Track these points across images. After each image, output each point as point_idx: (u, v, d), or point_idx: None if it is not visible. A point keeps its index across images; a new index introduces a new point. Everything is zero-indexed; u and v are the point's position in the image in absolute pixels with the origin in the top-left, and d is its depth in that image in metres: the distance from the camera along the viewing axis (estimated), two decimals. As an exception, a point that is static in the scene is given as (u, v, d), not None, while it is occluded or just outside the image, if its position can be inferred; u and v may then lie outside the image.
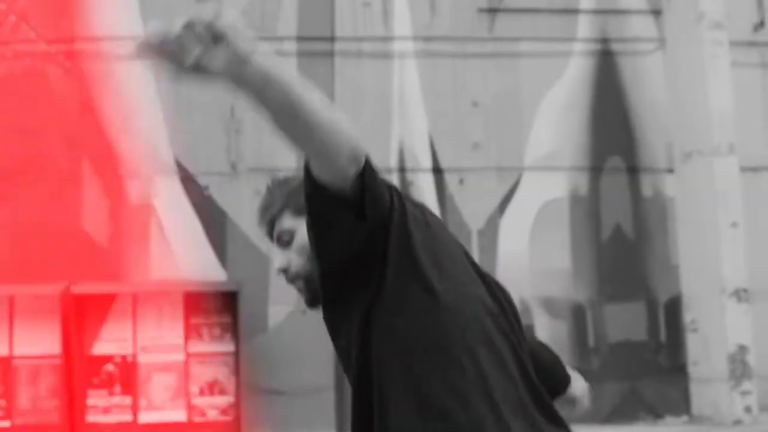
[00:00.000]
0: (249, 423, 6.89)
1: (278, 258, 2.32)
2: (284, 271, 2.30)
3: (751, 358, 7.28)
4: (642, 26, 7.97)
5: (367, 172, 1.96)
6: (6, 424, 6.77)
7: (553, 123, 7.73)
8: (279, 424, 7.01)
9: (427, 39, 7.63)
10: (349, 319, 2.07)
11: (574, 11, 7.85)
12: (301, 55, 7.38)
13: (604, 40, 7.91)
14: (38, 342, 6.83)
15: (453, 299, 1.98)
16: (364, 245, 2.01)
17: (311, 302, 2.29)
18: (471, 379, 1.93)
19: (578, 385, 2.52)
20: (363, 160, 1.95)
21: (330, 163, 1.92)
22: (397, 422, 1.94)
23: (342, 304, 2.08)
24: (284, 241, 2.30)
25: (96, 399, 6.83)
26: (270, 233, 2.36)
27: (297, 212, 2.25)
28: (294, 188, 2.28)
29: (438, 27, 7.67)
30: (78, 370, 6.77)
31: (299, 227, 2.25)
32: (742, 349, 7.26)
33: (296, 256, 2.28)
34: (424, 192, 7.39)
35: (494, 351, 1.97)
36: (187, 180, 7.27)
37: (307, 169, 1.97)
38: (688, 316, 7.60)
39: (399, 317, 1.99)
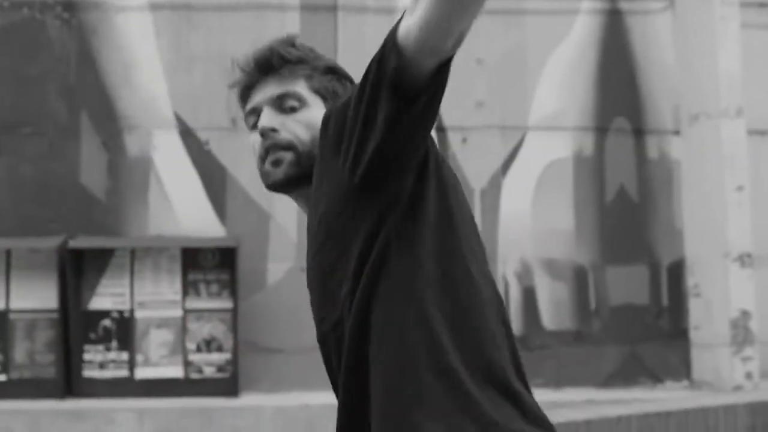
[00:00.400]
0: (246, 380, 6.88)
1: (269, 116, 2.01)
2: (272, 131, 2.00)
3: (753, 324, 7.24)
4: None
5: (448, 67, 1.73)
6: (2, 378, 6.76)
7: (559, 82, 7.62)
8: (276, 382, 7.00)
9: (433, -5, 7.50)
10: (353, 238, 1.81)
11: (583, -32, 7.73)
12: (303, 8, 7.28)
13: (615, 12, 7.79)
14: (35, 296, 6.80)
15: (474, 256, 1.87)
16: (407, 155, 1.78)
17: (289, 181, 2.00)
18: (488, 346, 1.82)
19: None
20: (456, 51, 1.72)
21: (452, 24, 1.61)
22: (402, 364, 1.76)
23: (358, 208, 1.81)
24: (287, 105, 2.02)
25: (92, 354, 6.81)
26: (254, 80, 2.05)
27: (315, 91, 2.04)
28: (321, 67, 2.07)
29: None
30: (75, 325, 6.75)
31: (314, 106, 2.03)
32: (745, 314, 7.22)
33: (299, 127, 2.00)
34: (427, 150, 7.31)
35: (500, 321, 1.88)
36: (187, 134, 7.20)
37: (393, 38, 1.68)
38: (690, 281, 7.54)
39: (421, 249, 1.79)
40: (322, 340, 1.97)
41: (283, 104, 2.03)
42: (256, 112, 2.06)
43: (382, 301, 1.78)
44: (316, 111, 2.01)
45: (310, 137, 1.98)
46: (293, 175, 1.99)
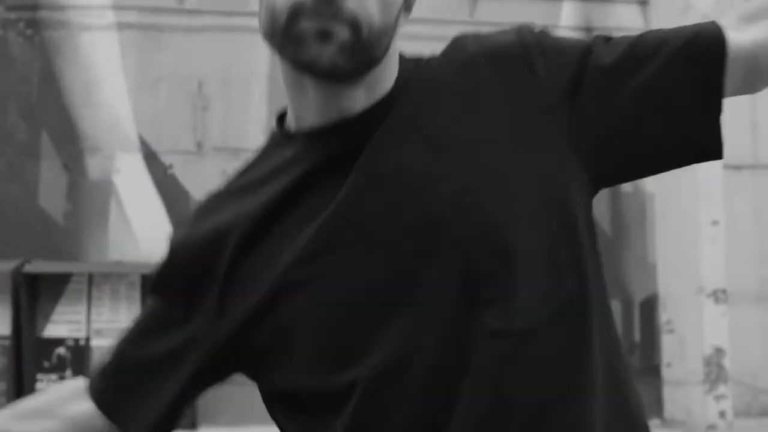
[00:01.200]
0: (204, 413, 6.68)
1: None
2: None
3: (727, 362, 7.13)
4: (628, 16, 7.78)
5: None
6: (-50, 406, 6.52)
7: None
8: (236, 417, 6.79)
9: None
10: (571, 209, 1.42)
11: (559, -3, 7.66)
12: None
13: (588, 29, 7.70)
14: (-13, 321, 6.60)
15: None
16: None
17: (334, 73, 1.32)
18: None
19: None
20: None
21: None
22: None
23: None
24: None
25: (45, 383, 6.57)
26: None
27: None
28: None
29: (416, 9, 7.41)
30: (28, 353, 6.53)
31: None
32: (719, 351, 7.10)
33: (374, 2, 1.36)
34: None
35: None
36: (150, 157, 7.02)
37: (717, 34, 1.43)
38: (663, 317, 7.44)
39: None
40: (389, 377, 1.33)
41: None
42: None
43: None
44: None
45: (382, 22, 1.39)
46: (342, 66, 1.32)
